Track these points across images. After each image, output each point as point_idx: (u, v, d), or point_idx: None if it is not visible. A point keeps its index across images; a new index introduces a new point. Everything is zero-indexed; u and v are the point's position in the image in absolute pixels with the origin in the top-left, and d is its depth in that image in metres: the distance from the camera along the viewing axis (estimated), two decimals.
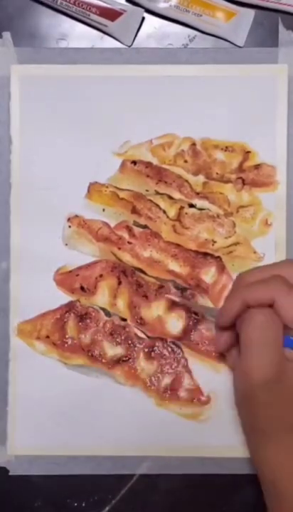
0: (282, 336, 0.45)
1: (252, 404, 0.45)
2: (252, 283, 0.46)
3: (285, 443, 0.44)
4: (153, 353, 0.53)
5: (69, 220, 0.54)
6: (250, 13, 0.54)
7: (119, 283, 0.53)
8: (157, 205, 0.53)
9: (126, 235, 0.53)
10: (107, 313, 0.53)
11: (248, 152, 0.54)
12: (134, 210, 0.53)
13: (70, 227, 0.54)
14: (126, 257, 0.53)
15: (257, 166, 0.54)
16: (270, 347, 0.44)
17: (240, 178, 0.54)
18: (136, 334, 0.53)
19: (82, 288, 0.53)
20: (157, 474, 0.53)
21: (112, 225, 0.54)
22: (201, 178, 0.54)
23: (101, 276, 0.53)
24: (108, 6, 0.53)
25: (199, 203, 0.54)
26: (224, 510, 0.53)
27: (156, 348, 0.53)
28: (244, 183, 0.54)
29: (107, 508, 0.53)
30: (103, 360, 0.52)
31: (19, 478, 0.53)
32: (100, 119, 0.54)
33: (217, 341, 0.49)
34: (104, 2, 0.52)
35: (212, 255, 0.53)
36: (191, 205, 0.54)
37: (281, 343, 0.45)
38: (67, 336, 0.53)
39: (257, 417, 0.45)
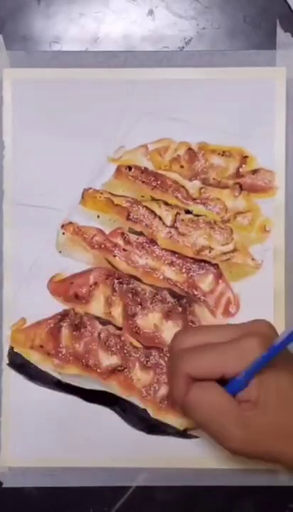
0: (226, 394, 0.43)
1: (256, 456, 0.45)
2: (170, 379, 0.45)
3: None
4: (149, 363, 0.52)
5: (63, 226, 0.53)
6: None
7: (114, 291, 0.52)
8: (153, 212, 0.53)
9: (121, 242, 0.53)
10: (102, 322, 0.52)
11: (246, 157, 0.53)
12: (129, 217, 0.53)
13: (63, 234, 0.53)
14: (122, 265, 0.52)
15: (255, 171, 0.53)
16: (222, 416, 0.43)
17: (238, 183, 0.53)
18: (131, 343, 0.52)
19: (76, 296, 0.53)
20: (153, 486, 0.52)
21: (107, 232, 0.53)
22: (198, 183, 0.53)
23: (95, 284, 0.52)
24: None
25: (196, 209, 0.53)
26: None
27: (152, 357, 0.52)
28: (241, 188, 0.53)
29: None
30: (98, 370, 0.52)
31: (13, 491, 0.52)
32: (94, 124, 0.53)
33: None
34: None
35: (209, 262, 0.53)
36: (188, 212, 0.53)
37: (230, 399, 0.43)
38: (61, 345, 0.52)
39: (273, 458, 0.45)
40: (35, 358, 0.52)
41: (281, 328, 0.52)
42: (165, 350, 0.52)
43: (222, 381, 0.43)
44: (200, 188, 0.53)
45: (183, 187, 0.53)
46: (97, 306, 0.52)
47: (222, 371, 0.43)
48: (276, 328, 0.46)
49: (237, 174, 0.53)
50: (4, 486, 0.52)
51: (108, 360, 0.52)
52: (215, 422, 0.43)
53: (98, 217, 0.53)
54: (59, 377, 0.52)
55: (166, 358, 0.52)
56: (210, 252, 0.53)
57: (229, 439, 0.43)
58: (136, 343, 0.52)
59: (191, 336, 0.45)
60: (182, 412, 0.45)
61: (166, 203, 0.53)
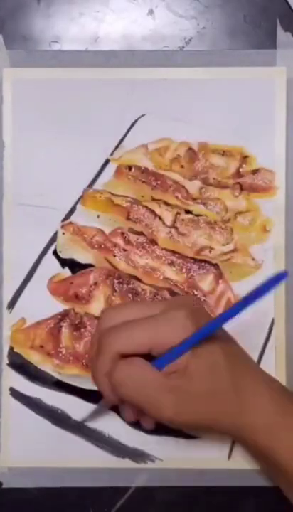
0: (152, 367, 0.44)
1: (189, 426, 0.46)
2: (96, 358, 0.45)
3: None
4: None
5: (63, 226, 0.53)
6: None
7: (114, 291, 0.52)
8: (153, 212, 0.53)
9: (121, 242, 0.52)
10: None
11: (246, 157, 0.53)
12: (129, 217, 0.53)
13: (63, 234, 0.53)
14: (122, 265, 0.52)
15: (255, 171, 0.53)
16: (149, 388, 0.43)
17: (238, 183, 0.53)
18: None
19: (76, 296, 0.52)
20: (154, 486, 0.52)
21: (107, 231, 0.53)
22: (198, 183, 0.53)
23: (95, 284, 0.52)
24: None
25: (196, 209, 0.53)
26: None
27: None
28: (242, 188, 0.53)
29: None
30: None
31: (13, 491, 0.52)
32: (94, 124, 0.53)
33: (108, 400, 0.46)
34: None
35: (209, 262, 0.52)
36: (188, 211, 0.53)
37: (156, 373, 0.43)
38: (61, 345, 0.52)
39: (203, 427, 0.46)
40: (35, 358, 0.52)
41: (282, 328, 0.52)
42: None
43: (151, 358, 0.44)
44: (201, 188, 0.53)
45: (183, 187, 0.53)
46: (97, 306, 0.52)
47: (152, 345, 0.43)
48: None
49: (238, 174, 0.53)
50: (4, 486, 0.52)
51: None
52: (144, 394, 0.44)
53: (98, 217, 0.53)
54: (59, 377, 0.52)
55: None
56: (210, 252, 0.53)
57: (161, 408, 0.44)
58: None
59: (119, 313, 0.45)
60: (110, 390, 0.45)
61: (166, 203, 0.53)
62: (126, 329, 0.44)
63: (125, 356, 0.44)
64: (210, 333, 0.43)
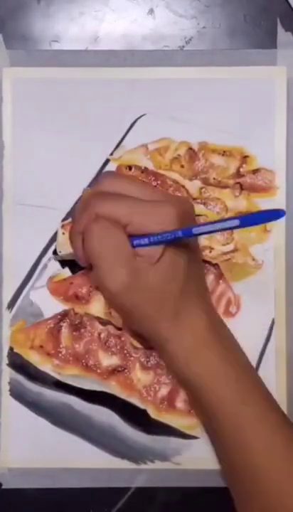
0: (127, 239, 0.45)
1: (123, 310, 0.47)
2: (76, 214, 0.47)
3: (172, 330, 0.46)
4: (149, 363, 0.52)
5: (63, 226, 0.53)
6: None
7: None
8: None
9: None
10: (102, 322, 0.52)
11: (246, 156, 0.53)
12: None
13: (63, 234, 0.53)
14: None
15: (256, 171, 0.53)
16: (114, 254, 0.45)
17: (238, 183, 0.53)
18: (131, 344, 0.52)
19: (76, 296, 0.52)
20: (153, 487, 0.52)
21: None
22: (198, 183, 0.53)
23: None
24: None
25: (196, 208, 0.53)
26: None
27: (152, 357, 0.52)
28: (242, 188, 0.53)
29: None
30: (98, 371, 0.52)
31: (13, 492, 0.52)
32: (94, 123, 0.53)
33: (78, 258, 0.48)
34: None
35: (209, 262, 0.52)
36: None
37: (128, 245, 0.45)
38: (61, 346, 0.52)
39: (133, 322, 0.47)
40: (34, 358, 0.52)
41: (282, 328, 0.52)
42: None
43: None
44: (201, 188, 0.53)
45: (183, 187, 0.53)
46: (97, 307, 0.52)
47: (130, 222, 0.44)
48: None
49: (238, 174, 0.53)
50: (4, 487, 0.52)
51: (108, 360, 0.52)
52: (108, 259, 0.45)
53: None
54: (59, 377, 0.52)
55: None
56: (210, 252, 0.53)
57: (111, 278, 0.45)
58: (136, 344, 0.52)
59: (118, 183, 0.47)
60: (81, 249, 0.47)
61: None
62: (116, 198, 0.45)
63: None
64: (190, 235, 0.44)
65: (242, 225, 0.41)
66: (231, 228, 0.42)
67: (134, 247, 0.45)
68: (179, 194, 0.53)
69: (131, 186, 0.46)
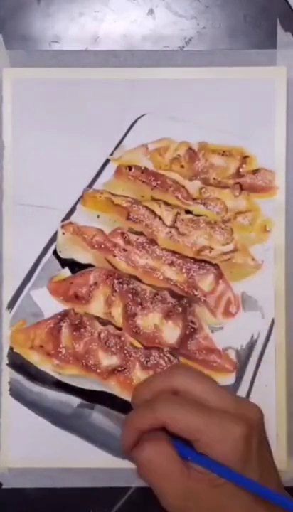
0: (176, 453, 0.44)
1: None
2: (140, 408, 0.45)
3: None
4: (149, 363, 0.52)
5: (63, 226, 0.53)
6: None
7: (114, 291, 0.52)
8: (153, 212, 0.53)
9: (121, 242, 0.52)
10: (102, 322, 0.52)
11: (246, 157, 0.53)
12: (129, 217, 0.53)
13: (63, 234, 0.53)
14: (122, 265, 0.52)
15: (255, 171, 0.53)
16: (166, 476, 0.44)
17: (238, 183, 0.53)
18: (131, 343, 0.52)
19: (76, 296, 0.52)
20: None
21: (107, 231, 0.53)
22: (198, 183, 0.53)
23: (95, 284, 0.52)
24: None
25: (196, 209, 0.53)
26: None
27: (152, 357, 0.52)
28: (242, 188, 0.53)
29: None
30: (98, 370, 0.52)
31: (12, 491, 0.52)
32: (94, 123, 0.53)
33: (123, 447, 0.47)
34: None
35: (209, 262, 0.52)
36: (188, 211, 0.53)
37: (177, 459, 0.44)
38: (61, 346, 0.52)
39: None
40: (34, 358, 0.52)
41: (282, 328, 0.52)
42: (165, 350, 0.52)
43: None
44: (201, 188, 0.53)
45: (183, 187, 0.53)
46: (97, 306, 0.52)
47: (197, 437, 0.43)
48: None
49: (238, 174, 0.53)
50: (4, 486, 0.52)
51: (108, 360, 0.52)
52: (158, 485, 0.44)
53: (98, 217, 0.53)
54: (58, 377, 0.52)
55: (166, 358, 0.52)
56: (210, 252, 0.53)
57: (166, 504, 0.44)
58: (136, 344, 0.52)
59: (189, 382, 0.45)
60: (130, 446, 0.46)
61: (166, 203, 0.53)
62: (190, 408, 0.44)
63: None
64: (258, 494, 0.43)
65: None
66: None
67: (184, 456, 0.44)
68: (179, 195, 0.53)
69: (204, 387, 0.45)
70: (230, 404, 0.45)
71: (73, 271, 0.53)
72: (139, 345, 0.52)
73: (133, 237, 0.52)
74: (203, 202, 0.53)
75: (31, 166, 0.53)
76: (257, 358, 0.52)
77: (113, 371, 0.52)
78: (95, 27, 0.54)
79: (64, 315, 0.52)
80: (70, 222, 0.53)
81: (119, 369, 0.52)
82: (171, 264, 0.52)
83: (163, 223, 0.53)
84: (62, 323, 0.52)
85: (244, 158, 0.53)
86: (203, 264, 0.52)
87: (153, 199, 0.53)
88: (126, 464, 0.52)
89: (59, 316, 0.52)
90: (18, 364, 0.52)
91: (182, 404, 0.44)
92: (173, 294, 0.52)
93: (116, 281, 0.52)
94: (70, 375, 0.52)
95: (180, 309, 0.52)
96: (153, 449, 0.44)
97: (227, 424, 0.43)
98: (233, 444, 0.43)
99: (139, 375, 0.52)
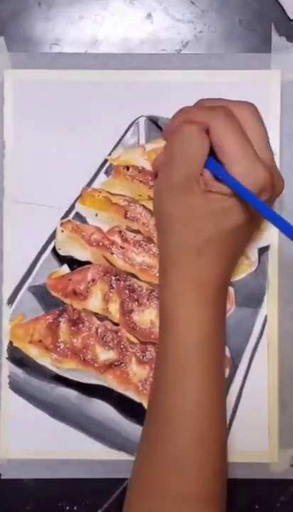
0: (206, 157, 0.45)
1: (162, 215, 0.48)
2: (200, 106, 0.47)
3: (185, 269, 0.47)
4: (145, 358, 0.53)
5: (62, 224, 0.54)
6: None
7: (112, 288, 0.53)
8: (150, 211, 0.53)
9: (118, 240, 0.53)
10: (100, 318, 0.53)
11: None
12: (127, 215, 0.53)
13: (62, 231, 0.54)
14: (119, 262, 0.53)
15: None
16: (189, 159, 0.45)
17: None
18: (128, 339, 0.53)
19: (74, 292, 0.53)
20: None
21: (105, 229, 0.54)
22: None
23: (93, 280, 0.53)
24: None
25: None
26: None
27: (148, 352, 0.53)
28: None
29: None
30: (95, 365, 0.52)
31: (11, 482, 0.53)
32: (93, 124, 0.54)
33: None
34: None
35: None
36: None
37: (203, 162, 0.45)
38: (59, 340, 0.53)
39: (166, 235, 0.48)
40: (33, 352, 0.53)
41: (274, 325, 0.53)
42: None
43: None
44: None
45: None
46: (94, 303, 0.53)
47: (231, 160, 0.44)
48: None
49: None
50: (3, 477, 0.53)
51: (105, 355, 0.53)
52: (184, 149, 0.46)
53: (96, 215, 0.54)
54: (57, 371, 0.53)
55: None
56: None
57: (176, 177, 0.46)
58: (132, 339, 0.53)
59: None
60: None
61: None
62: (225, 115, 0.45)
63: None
64: (258, 208, 0.43)
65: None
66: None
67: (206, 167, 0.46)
68: None
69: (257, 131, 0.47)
70: (266, 158, 0.46)
71: (72, 268, 0.54)
72: (135, 341, 0.53)
73: (130, 235, 0.53)
74: None
75: (31, 166, 0.54)
76: (250, 353, 0.53)
77: (110, 365, 0.52)
78: (95, 30, 0.55)
79: (62, 310, 0.53)
80: (69, 221, 0.54)
81: (116, 363, 0.53)
82: None
83: None
84: (61, 318, 0.53)
85: None
86: None
87: (150, 198, 0.53)
88: (123, 456, 0.53)
89: (58, 312, 0.53)
90: (18, 358, 0.53)
91: (234, 126, 0.45)
92: None
93: (113, 278, 0.53)
94: (68, 369, 0.53)
95: None
96: (192, 127, 0.45)
97: (258, 168, 0.44)
98: (255, 181, 0.44)
99: (135, 369, 0.52)
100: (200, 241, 0.46)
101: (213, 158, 0.46)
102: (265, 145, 0.47)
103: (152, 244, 0.53)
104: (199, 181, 0.46)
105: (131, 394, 0.53)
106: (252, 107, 0.47)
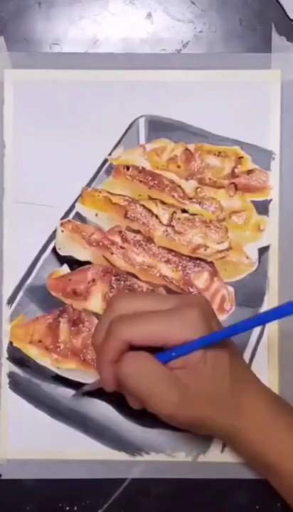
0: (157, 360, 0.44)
1: (183, 424, 0.46)
2: (102, 343, 0.45)
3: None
4: None
5: (62, 224, 0.54)
6: None
7: (112, 288, 0.53)
8: (150, 210, 0.53)
9: (118, 240, 0.53)
10: (100, 318, 0.53)
11: (241, 157, 0.54)
12: (127, 215, 0.53)
13: (62, 231, 0.54)
14: (119, 262, 0.53)
15: (250, 172, 0.54)
16: (155, 379, 0.44)
17: (233, 183, 0.54)
18: None
19: (74, 293, 0.53)
20: (149, 478, 0.53)
21: (105, 230, 0.54)
22: (194, 183, 0.54)
23: (93, 281, 0.53)
24: None
25: (192, 208, 0.54)
26: None
27: None
28: (236, 188, 0.54)
29: None
30: (95, 365, 0.52)
31: (11, 482, 0.53)
32: (93, 124, 0.54)
33: (108, 387, 0.46)
34: None
35: (204, 260, 0.53)
36: (184, 211, 0.54)
37: (160, 365, 0.44)
38: (59, 341, 0.53)
39: (197, 430, 0.47)
40: (33, 352, 0.53)
41: (274, 325, 0.53)
42: None
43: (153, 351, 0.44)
44: (196, 188, 0.54)
45: (179, 186, 0.54)
46: (94, 303, 0.53)
47: (162, 339, 0.44)
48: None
49: (233, 174, 0.54)
50: (3, 477, 0.53)
51: None
52: (149, 388, 0.44)
53: (96, 215, 0.54)
54: (57, 371, 0.53)
55: None
56: (205, 250, 0.54)
57: (163, 403, 0.44)
58: None
59: (131, 303, 0.45)
60: (111, 377, 0.45)
61: (163, 202, 0.54)
62: (140, 320, 0.44)
63: (131, 347, 0.44)
64: (224, 338, 0.44)
65: (260, 323, 0.43)
66: (254, 326, 0.44)
67: (163, 362, 0.44)
68: (175, 194, 0.54)
69: (142, 301, 0.45)
70: (177, 300, 0.45)
71: (72, 268, 0.54)
72: None
73: (130, 235, 0.53)
74: (198, 201, 0.54)
75: (32, 165, 0.54)
76: (250, 353, 0.53)
77: None
78: (95, 30, 0.55)
79: (62, 311, 0.53)
80: (69, 220, 0.54)
81: None
82: (167, 261, 0.53)
83: (160, 222, 0.54)
84: (61, 318, 0.53)
85: (239, 159, 0.54)
86: (198, 261, 0.53)
87: (150, 198, 0.54)
88: (123, 456, 0.53)
89: (58, 312, 0.53)
90: (18, 358, 0.53)
91: (136, 319, 0.44)
92: (169, 291, 0.53)
93: (113, 278, 0.53)
94: (68, 369, 0.53)
95: None
96: (133, 357, 0.44)
97: (183, 314, 0.44)
98: (194, 325, 0.44)
99: None
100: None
101: (158, 354, 0.44)
102: (160, 297, 0.48)
103: (152, 244, 0.53)
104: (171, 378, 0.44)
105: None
106: None
